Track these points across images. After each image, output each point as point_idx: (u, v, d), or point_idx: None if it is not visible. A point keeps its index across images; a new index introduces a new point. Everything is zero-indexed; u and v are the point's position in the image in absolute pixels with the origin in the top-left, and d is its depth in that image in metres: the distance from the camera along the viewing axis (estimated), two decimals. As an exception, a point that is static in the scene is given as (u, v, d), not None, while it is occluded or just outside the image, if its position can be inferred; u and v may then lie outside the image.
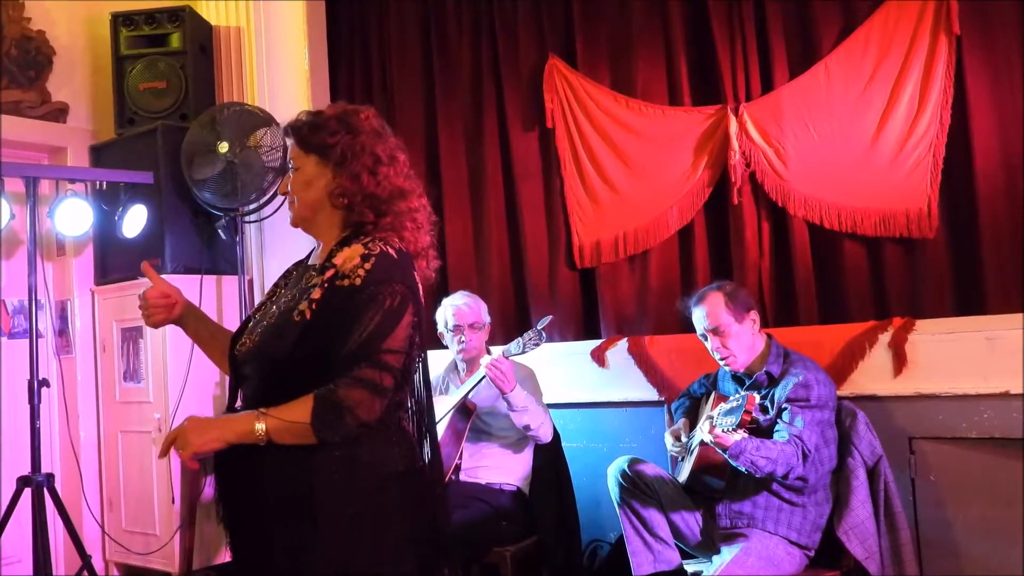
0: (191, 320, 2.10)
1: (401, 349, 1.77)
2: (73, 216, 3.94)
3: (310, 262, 1.96)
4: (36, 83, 4.46)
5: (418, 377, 1.90)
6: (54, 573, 3.65)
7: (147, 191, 4.05)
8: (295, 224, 1.94)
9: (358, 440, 1.77)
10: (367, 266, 1.75)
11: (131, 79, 4.27)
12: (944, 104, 3.17)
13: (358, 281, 1.75)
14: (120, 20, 4.30)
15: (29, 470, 3.51)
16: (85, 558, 3.63)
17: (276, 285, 2.03)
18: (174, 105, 4.25)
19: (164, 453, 1.81)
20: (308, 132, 1.89)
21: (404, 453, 1.85)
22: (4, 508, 3.49)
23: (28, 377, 3.55)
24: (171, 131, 4.13)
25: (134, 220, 4.02)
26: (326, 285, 1.78)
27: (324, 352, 1.75)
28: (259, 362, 1.83)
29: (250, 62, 4.45)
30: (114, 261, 4.33)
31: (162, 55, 4.27)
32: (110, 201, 4.08)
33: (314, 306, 1.77)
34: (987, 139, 3.12)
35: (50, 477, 3.55)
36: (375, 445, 1.80)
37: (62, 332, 4.50)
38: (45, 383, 3.58)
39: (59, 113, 4.53)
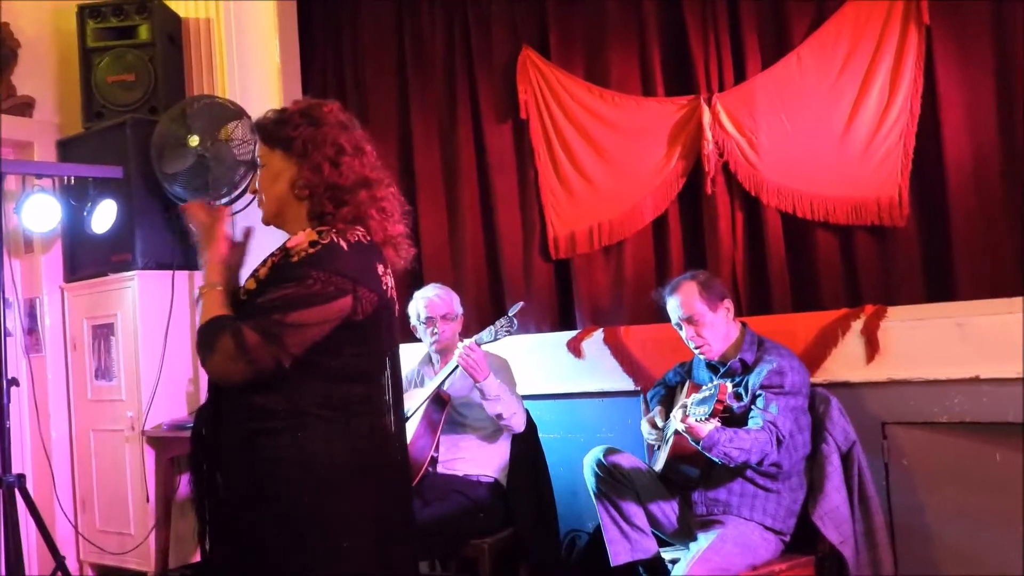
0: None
1: (304, 327, 1.76)
2: (41, 212, 3.89)
3: None
4: (1, 77, 4.38)
5: (386, 374, 1.92)
6: (27, 575, 3.60)
7: (116, 186, 3.99)
8: (266, 222, 1.98)
9: (311, 432, 1.79)
10: (311, 250, 1.79)
11: (99, 72, 4.21)
12: (914, 94, 3.20)
13: (295, 259, 1.79)
14: (87, 12, 4.23)
15: (0, 471, 3.46)
16: (59, 559, 3.58)
17: None
18: (143, 98, 4.19)
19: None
20: (272, 127, 1.92)
21: (367, 449, 1.85)
22: (-26, 509, 3.43)
23: (-4, 376, 3.50)
24: (140, 124, 4.07)
25: (103, 215, 3.96)
26: (273, 266, 1.83)
27: None
28: None
29: (220, 54, 4.39)
30: (84, 257, 4.27)
31: (130, 47, 4.21)
32: (79, 196, 4.03)
33: (257, 283, 1.83)
34: (957, 128, 3.15)
35: (21, 478, 3.49)
36: (333, 440, 1.81)
37: (31, 330, 4.43)
38: (15, 382, 3.52)
39: (25, 107, 4.45)
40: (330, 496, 1.80)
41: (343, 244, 1.82)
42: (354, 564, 1.81)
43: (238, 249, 2.02)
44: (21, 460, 4.23)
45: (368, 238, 1.89)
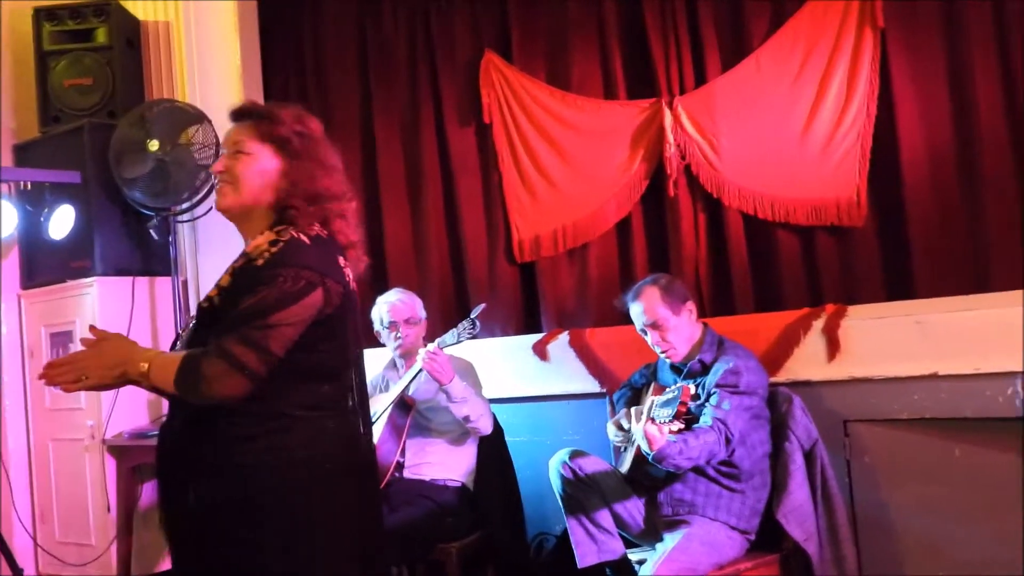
0: None
1: (287, 327, 1.74)
2: (-4, 218, 3.82)
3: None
4: (-46, 81, 4.30)
5: (351, 373, 1.90)
6: (-17, 588, 3.53)
7: (74, 191, 3.93)
8: (227, 209, 1.90)
9: (288, 434, 1.77)
10: (273, 249, 1.78)
11: (55, 75, 4.14)
12: (870, 96, 3.25)
13: (260, 262, 1.77)
14: (43, 15, 4.16)
15: (-46, 482, 3.39)
16: (17, 572, 3.51)
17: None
18: (101, 102, 4.13)
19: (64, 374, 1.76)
20: (267, 123, 1.90)
21: (341, 450, 1.84)
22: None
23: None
24: (98, 129, 4.01)
25: (61, 221, 3.90)
26: (235, 272, 1.80)
27: None
28: None
29: (180, 58, 4.35)
30: (41, 264, 4.20)
31: (88, 51, 4.15)
32: (35, 202, 3.96)
33: (221, 293, 1.79)
34: (912, 129, 3.20)
35: (-23, 489, 3.43)
36: (309, 441, 1.80)
37: (-13, 339, 4.35)
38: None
39: (-21, 112, 4.37)
40: (313, 498, 1.79)
41: (304, 238, 1.82)
42: (337, 566, 1.81)
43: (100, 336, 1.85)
44: (-23, 472, 4.14)
45: (326, 233, 1.89)
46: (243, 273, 1.78)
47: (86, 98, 4.14)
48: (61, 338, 4.08)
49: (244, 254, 1.82)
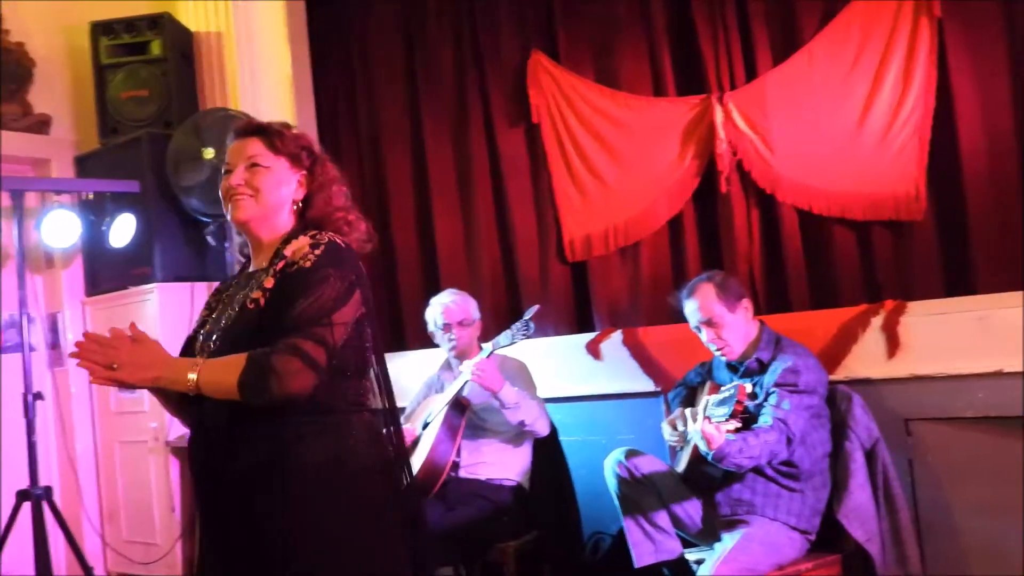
0: None
1: (343, 326, 1.81)
2: (60, 228, 3.93)
3: (250, 270, 1.99)
4: (17, 95, 4.43)
5: (379, 375, 1.94)
6: (56, 587, 3.65)
7: (134, 200, 4.03)
8: (250, 218, 1.94)
9: (341, 431, 1.82)
10: (317, 252, 1.83)
11: (113, 88, 4.25)
12: (928, 87, 3.18)
13: (308, 264, 1.82)
14: (99, 29, 4.27)
15: (27, 484, 3.50)
16: (87, 570, 3.62)
17: (209, 306, 2.03)
18: (157, 113, 4.23)
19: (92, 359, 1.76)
20: (277, 138, 1.96)
21: (380, 449, 1.89)
22: (4, 523, 3.48)
23: (22, 391, 3.54)
24: (155, 139, 4.11)
25: (122, 230, 4.00)
26: (278, 275, 1.84)
27: (273, 338, 1.78)
28: None
29: (232, 67, 4.43)
30: (103, 272, 4.31)
31: (143, 63, 4.25)
32: (97, 211, 4.07)
33: (267, 294, 1.83)
34: (971, 120, 3.13)
35: (48, 490, 3.54)
36: (359, 435, 1.85)
37: (54, 345, 4.48)
38: (39, 396, 3.57)
39: (41, 125, 4.50)
40: (362, 493, 1.83)
41: (340, 242, 1.89)
42: (385, 564, 1.84)
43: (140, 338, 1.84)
44: (48, 473, 4.27)
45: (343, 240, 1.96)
46: (291, 276, 1.82)
47: (143, 109, 4.24)
48: (124, 343, 4.18)
49: (284, 257, 1.86)
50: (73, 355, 1.77)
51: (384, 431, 1.92)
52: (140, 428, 4.10)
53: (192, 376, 1.76)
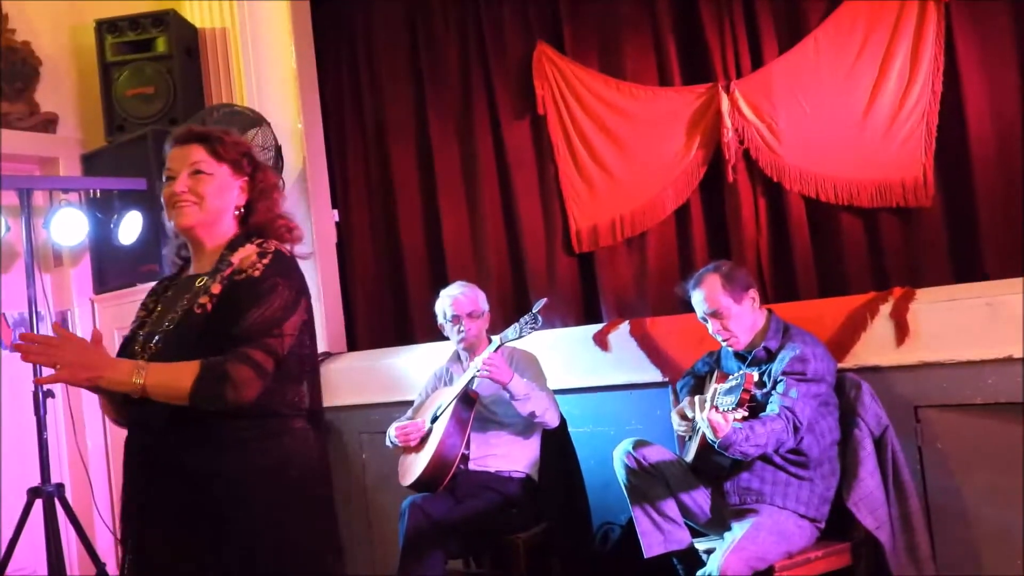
0: None
1: (291, 336, 1.87)
2: (68, 226, 3.94)
3: (191, 273, 2.00)
4: (23, 94, 4.45)
5: (313, 381, 1.98)
6: (69, 582, 3.66)
7: (141, 197, 4.04)
8: (193, 225, 1.96)
9: (284, 438, 1.86)
10: (265, 261, 1.88)
11: (118, 86, 4.26)
12: (935, 72, 3.16)
13: (256, 273, 1.86)
14: (105, 27, 4.28)
15: (39, 481, 3.51)
16: (99, 566, 3.64)
17: (147, 307, 2.03)
18: (163, 110, 4.24)
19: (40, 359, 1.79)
20: (218, 145, 1.98)
21: (314, 451, 1.94)
22: (16, 520, 3.49)
23: (33, 389, 3.55)
24: (162, 136, 4.06)
25: (129, 227, 4.01)
26: (225, 281, 1.87)
27: (225, 346, 1.80)
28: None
29: (237, 63, 4.43)
30: (112, 269, 4.32)
31: (148, 60, 4.26)
32: (104, 209, 4.08)
33: (215, 300, 1.85)
34: (979, 105, 3.12)
35: (60, 487, 3.55)
36: (294, 443, 1.89)
37: (64, 343, 4.49)
38: (50, 394, 3.58)
39: (48, 123, 4.51)
40: (304, 495, 1.88)
41: (285, 251, 1.94)
42: (326, 562, 1.91)
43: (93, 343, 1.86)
44: (59, 470, 4.29)
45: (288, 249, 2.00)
46: (240, 285, 1.85)
47: (149, 106, 4.25)
48: (133, 340, 4.20)
49: (230, 264, 1.89)
50: (17, 349, 1.77)
51: (316, 435, 1.97)
52: (150, 424, 4.11)
53: (138, 380, 1.77)
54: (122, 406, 1.94)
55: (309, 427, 1.94)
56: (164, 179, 1.98)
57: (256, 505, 1.82)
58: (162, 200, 1.99)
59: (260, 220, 1.99)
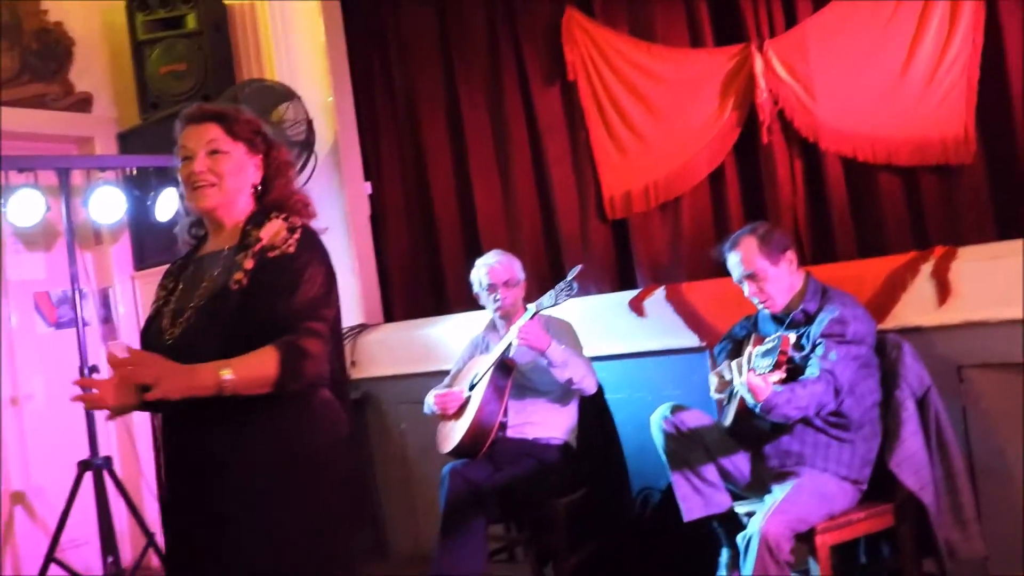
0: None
1: (336, 307, 1.92)
2: (107, 204, 3.99)
3: (210, 250, 2.00)
4: (58, 75, 4.50)
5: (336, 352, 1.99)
6: (120, 552, 3.76)
7: (177, 174, 4.07)
8: (215, 206, 1.96)
9: (302, 408, 1.87)
10: (296, 236, 1.90)
11: (151, 64, 4.29)
12: (976, 25, 3.08)
13: (291, 249, 1.88)
14: (135, 5, 4.31)
15: (88, 454, 3.60)
16: (149, 536, 3.74)
17: (165, 287, 2.03)
18: (195, 87, 4.27)
19: (129, 379, 1.81)
20: (232, 123, 1.97)
21: (341, 422, 1.97)
22: (68, 492, 3.59)
23: (78, 365, 3.63)
24: (196, 113, 4.14)
25: (166, 204, 4.05)
26: (256, 256, 1.88)
27: (262, 323, 1.82)
28: (203, 339, 1.85)
29: (266, 38, 4.44)
30: (151, 246, 4.38)
31: (179, 37, 4.29)
32: (142, 187, 4.12)
33: (248, 275, 1.86)
34: (1021, 58, 3.03)
35: (108, 460, 3.64)
36: (319, 415, 1.91)
37: (107, 319, 4.58)
38: (95, 369, 3.66)
39: (83, 103, 4.57)
40: (330, 465, 1.91)
41: (310, 225, 1.97)
42: (351, 531, 1.96)
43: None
44: (107, 443, 4.39)
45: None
46: (274, 261, 1.87)
47: (181, 83, 4.28)
48: (174, 316, 4.27)
49: (259, 240, 1.90)
50: (123, 374, 1.78)
51: (341, 404, 1.98)
52: (193, 397, 4.19)
53: (227, 374, 1.75)
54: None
55: (331, 399, 1.95)
56: (180, 159, 1.97)
57: (286, 475, 1.84)
58: (179, 180, 1.99)
59: (277, 196, 2.01)
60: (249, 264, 1.87)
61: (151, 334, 1.96)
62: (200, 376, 1.76)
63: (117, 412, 1.94)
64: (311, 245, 1.91)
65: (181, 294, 1.97)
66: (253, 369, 1.78)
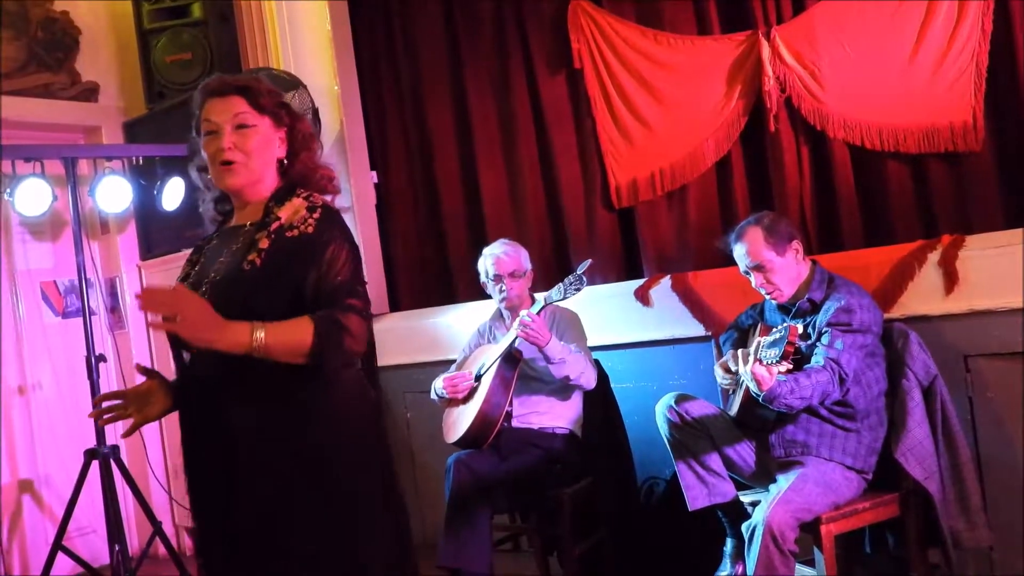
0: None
1: (366, 285, 1.90)
2: (113, 193, 4.00)
3: (234, 224, 1.97)
4: (64, 64, 4.50)
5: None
6: (127, 540, 3.78)
7: (183, 163, 4.05)
8: (244, 184, 1.92)
9: (331, 385, 1.84)
10: (316, 215, 1.85)
11: (157, 53, 4.29)
12: (985, 11, 3.05)
13: (310, 229, 1.84)
14: (141, -6, 4.31)
15: (95, 443, 3.62)
16: (155, 524, 3.75)
17: (192, 261, 2.01)
18: (201, 75, 4.25)
19: (151, 306, 1.75)
20: (256, 96, 1.92)
21: (369, 399, 1.99)
22: (75, 481, 3.61)
23: (85, 354, 3.64)
24: (201, 102, 4.14)
25: (173, 193, 4.07)
26: (273, 235, 1.84)
27: (276, 302, 1.79)
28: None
29: (272, 26, 4.42)
30: (157, 235, 4.40)
31: (185, 26, 4.28)
32: (148, 176, 4.13)
33: (263, 255, 1.82)
34: (1031, 44, 3.01)
35: (115, 449, 3.66)
36: (347, 392, 1.90)
37: (114, 308, 4.60)
38: (102, 359, 3.67)
39: (90, 92, 4.57)
40: (358, 442, 1.89)
41: (331, 203, 1.94)
42: (382, 508, 1.93)
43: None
44: (114, 432, 4.40)
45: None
46: (290, 242, 1.82)
47: (187, 72, 4.28)
48: (180, 305, 4.28)
49: (278, 219, 1.86)
50: (140, 297, 1.74)
51: (367, 382, 1.99)
52: (200, 386, 4.20)
53: (260, 334, 1.73)
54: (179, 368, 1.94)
55: (359, 376, 1.95)
56: (203, 133, 1.91)
57: (310, 452, 1.81)
58: (203, 156, 1.93)
59: (301, 171, 1.96)
60: (264, 243, 1.83)
61: None
62: (232, 330, 1.73)
63: (138, 424, 1.94)
64: (332, 223, 1.86)
65: (201, 268, 1.94)
66: (288, 334, 1.74)
